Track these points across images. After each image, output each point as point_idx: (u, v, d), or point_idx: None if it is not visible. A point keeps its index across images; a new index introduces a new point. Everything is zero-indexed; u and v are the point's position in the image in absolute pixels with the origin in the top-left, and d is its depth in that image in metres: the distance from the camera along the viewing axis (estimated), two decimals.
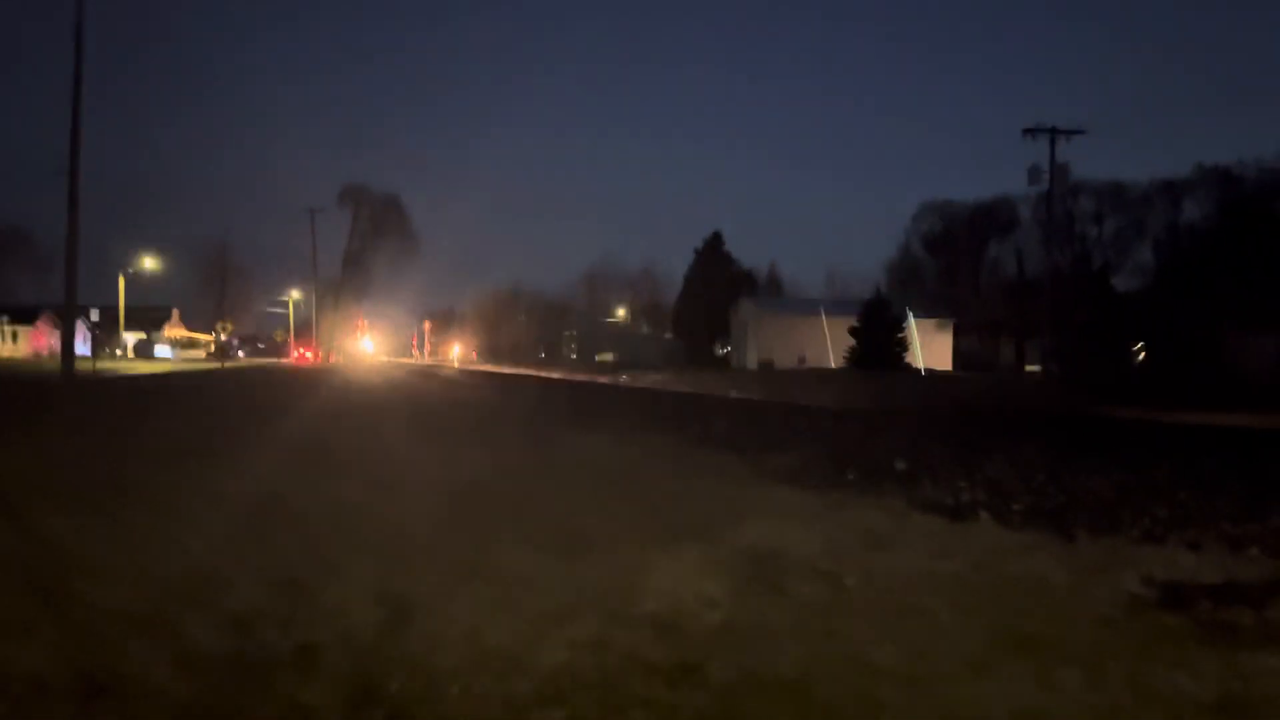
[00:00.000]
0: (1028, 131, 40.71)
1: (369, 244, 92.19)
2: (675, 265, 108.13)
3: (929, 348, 74.55)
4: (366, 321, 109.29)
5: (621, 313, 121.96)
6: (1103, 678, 3.08)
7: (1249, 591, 3.89)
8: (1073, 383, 27.26)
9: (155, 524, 6.06)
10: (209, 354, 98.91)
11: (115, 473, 8.24)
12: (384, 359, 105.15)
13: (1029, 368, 70.06)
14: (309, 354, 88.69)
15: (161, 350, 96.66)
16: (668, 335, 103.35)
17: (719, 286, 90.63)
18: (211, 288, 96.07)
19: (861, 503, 6.36)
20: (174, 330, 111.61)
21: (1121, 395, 20.93)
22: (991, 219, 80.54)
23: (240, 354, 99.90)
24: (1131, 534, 5.16)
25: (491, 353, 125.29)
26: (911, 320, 67.72)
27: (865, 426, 11.40)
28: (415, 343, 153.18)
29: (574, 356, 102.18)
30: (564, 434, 11.86)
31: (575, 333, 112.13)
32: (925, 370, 63.61)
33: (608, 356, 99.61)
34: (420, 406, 18.65)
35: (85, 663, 3.59)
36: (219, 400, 21.32)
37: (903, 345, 65.93)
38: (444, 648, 3.82)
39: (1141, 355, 56.03)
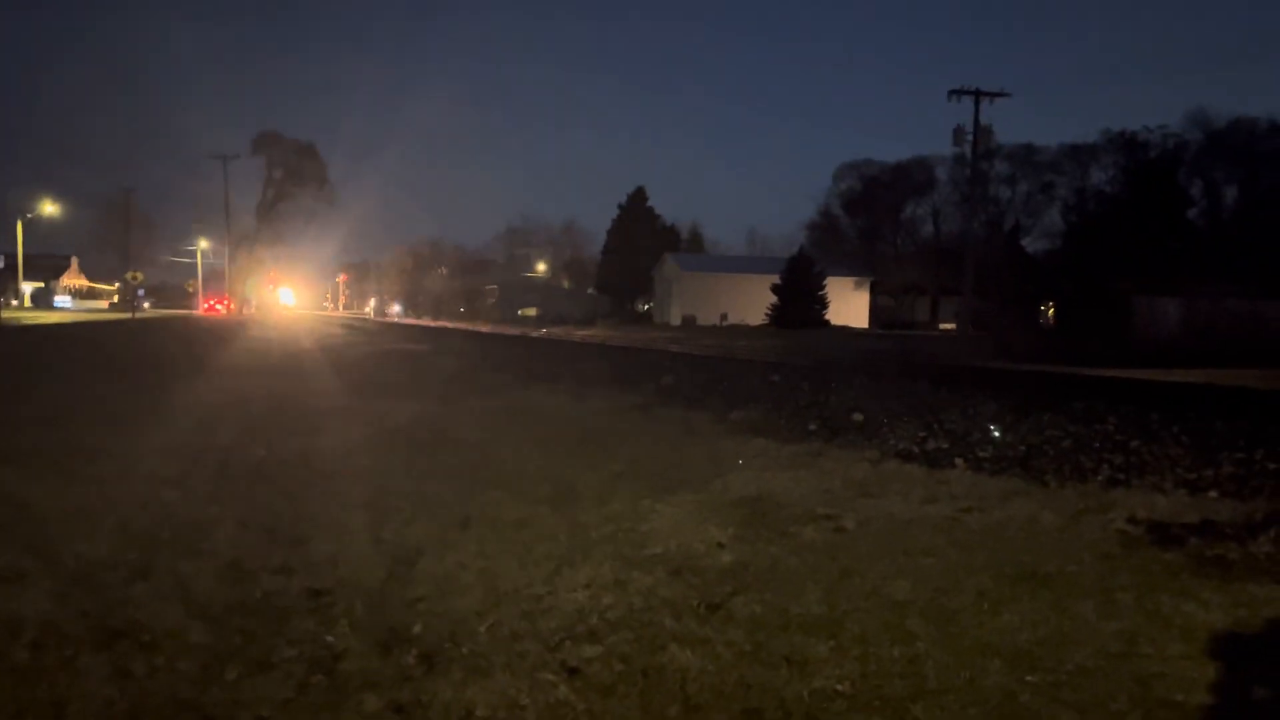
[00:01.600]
0: (954, 93, 41.44)
1: (284, 193, 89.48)
2: (597, 221, 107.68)
3: (848, 306, 75.98)
4: (280, 273, 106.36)
5: (542, 267, 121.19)
6: (1117, 608, 3.26)
7: (1227, 529, 4.14)
8: (992, 341, 28.17)
9: (125, 478, 5.88)
10: (112, 304, 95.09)
11: (64, 434, 7.96)
12: (298, 311, 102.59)
13: (943, 326, 72.00)
14: (220, 305, 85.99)
15: (61, 300, 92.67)
16: (590, 290, 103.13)
17: (642, 243, 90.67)
18: (113, 237, 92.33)
19: (836, 452, 6.51)
20: (73, 279, 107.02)
21: (1041, 353, 21.68)
22: (909, 180, 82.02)
23: (146, 305, 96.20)
24: (1098, 480, 5.41)
25: (410, 306, 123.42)
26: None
27: (812, 381, 11.60)
28: (330, 295, 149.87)
29: (496, 311, 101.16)
30: (516, 389, 11.77)
31: (497, 287, 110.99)
32: (845, 327, 64.82)
33: (530, 311, 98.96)
34: (355, 361, 18.29)
35: (92, 608, 3.51)
36: (146, 353, 20.59)
37: (824, 303, 67.05)
38: (460, 591, 3.82)
39: (1052, 315, 57.95)
